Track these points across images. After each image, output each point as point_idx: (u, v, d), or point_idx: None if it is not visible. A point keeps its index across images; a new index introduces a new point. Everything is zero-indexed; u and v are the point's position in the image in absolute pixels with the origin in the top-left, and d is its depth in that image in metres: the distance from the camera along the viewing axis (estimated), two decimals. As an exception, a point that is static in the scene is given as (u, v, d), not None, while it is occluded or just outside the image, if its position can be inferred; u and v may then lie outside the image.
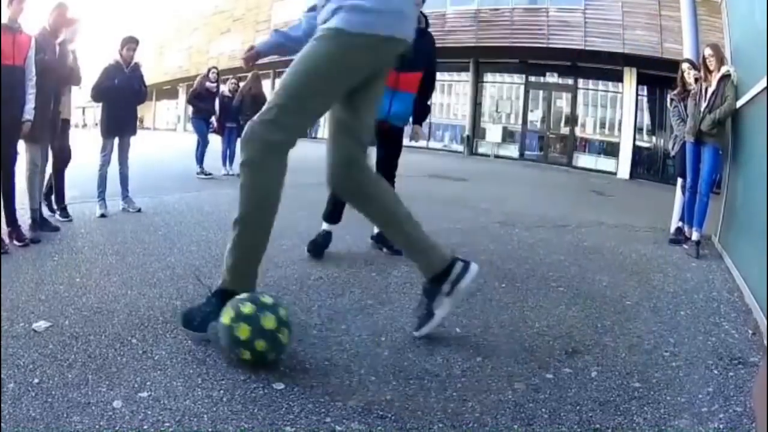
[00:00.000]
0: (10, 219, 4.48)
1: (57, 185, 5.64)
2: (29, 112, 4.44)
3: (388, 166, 4.59)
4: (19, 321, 2.89)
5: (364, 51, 2.69)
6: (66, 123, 5.62)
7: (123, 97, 6.17)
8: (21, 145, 4.66)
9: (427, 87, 4.75)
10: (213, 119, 11.09)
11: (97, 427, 2.00)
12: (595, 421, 2.27)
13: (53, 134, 5.11)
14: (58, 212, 5.57)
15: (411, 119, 4.89)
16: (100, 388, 2.26)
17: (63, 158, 5.65)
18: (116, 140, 6.24)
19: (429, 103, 5.05)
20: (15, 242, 4.40)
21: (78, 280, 3.64)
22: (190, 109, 11.94)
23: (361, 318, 3.30)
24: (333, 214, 4.57)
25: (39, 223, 4.82)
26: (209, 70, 11.14)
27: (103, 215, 5.79)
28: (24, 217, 4.69)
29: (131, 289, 3.53)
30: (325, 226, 4.60)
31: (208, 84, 10.90)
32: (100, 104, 6.27)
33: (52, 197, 5.72)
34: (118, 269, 3.97)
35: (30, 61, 4.45)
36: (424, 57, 4.41)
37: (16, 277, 3.65)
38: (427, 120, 19.75)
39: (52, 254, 4.27)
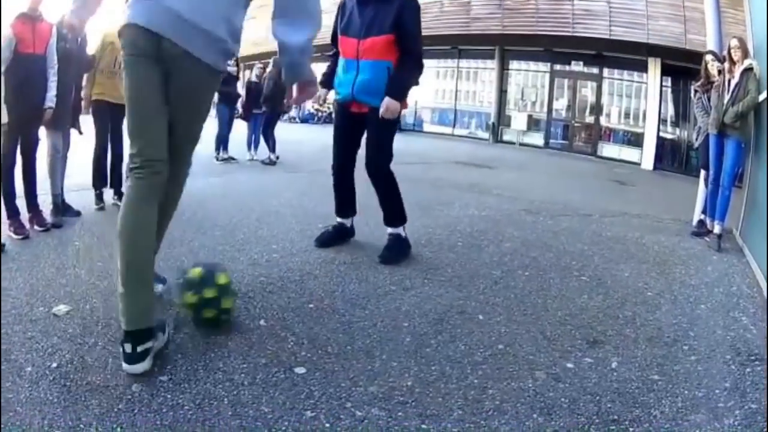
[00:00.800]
0: (32, 204, 4.51)
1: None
2: (51, 100, 4.46)
3: (373, 164, 4.15)
4: (38, 305, 2.91)
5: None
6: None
7: None
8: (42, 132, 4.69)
9: (402, 54, 4.02)
10: (239, 105, 11.03)
11: (115, 410, 2.01)
12: (614, 412, 2.26)
13: (74, 121, 5.15)
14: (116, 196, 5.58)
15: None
16: (120, 371, 2.27)
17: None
18: None
19: (412, 78, 4.15)
20: (36, 227, 4.43)
21: (100, 265, 3.64)
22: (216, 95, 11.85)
23: (383, 303, 3.30)
24: (341, 208, 4.52)
25: (61, 208, 4.85)
26: None
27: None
28: (46, 203, 4.71)
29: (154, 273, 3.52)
30: (338, 218, 4.57)
31: (228, 68, 10.79)
32: None
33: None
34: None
35: (51, 49, 4.45)
36: (386, 21, 3.95)
37: (37, 262, 3.66)
38: (453, 107, 19.39)
39: (73, 239, 4.29)
